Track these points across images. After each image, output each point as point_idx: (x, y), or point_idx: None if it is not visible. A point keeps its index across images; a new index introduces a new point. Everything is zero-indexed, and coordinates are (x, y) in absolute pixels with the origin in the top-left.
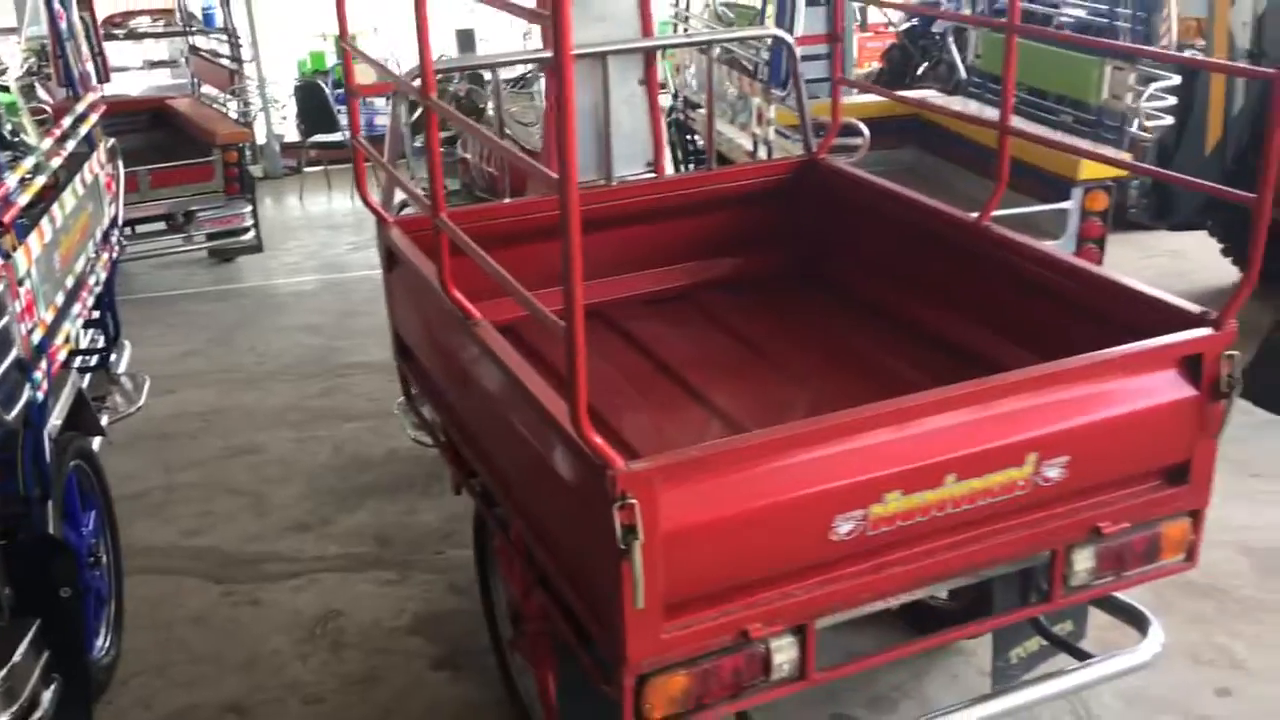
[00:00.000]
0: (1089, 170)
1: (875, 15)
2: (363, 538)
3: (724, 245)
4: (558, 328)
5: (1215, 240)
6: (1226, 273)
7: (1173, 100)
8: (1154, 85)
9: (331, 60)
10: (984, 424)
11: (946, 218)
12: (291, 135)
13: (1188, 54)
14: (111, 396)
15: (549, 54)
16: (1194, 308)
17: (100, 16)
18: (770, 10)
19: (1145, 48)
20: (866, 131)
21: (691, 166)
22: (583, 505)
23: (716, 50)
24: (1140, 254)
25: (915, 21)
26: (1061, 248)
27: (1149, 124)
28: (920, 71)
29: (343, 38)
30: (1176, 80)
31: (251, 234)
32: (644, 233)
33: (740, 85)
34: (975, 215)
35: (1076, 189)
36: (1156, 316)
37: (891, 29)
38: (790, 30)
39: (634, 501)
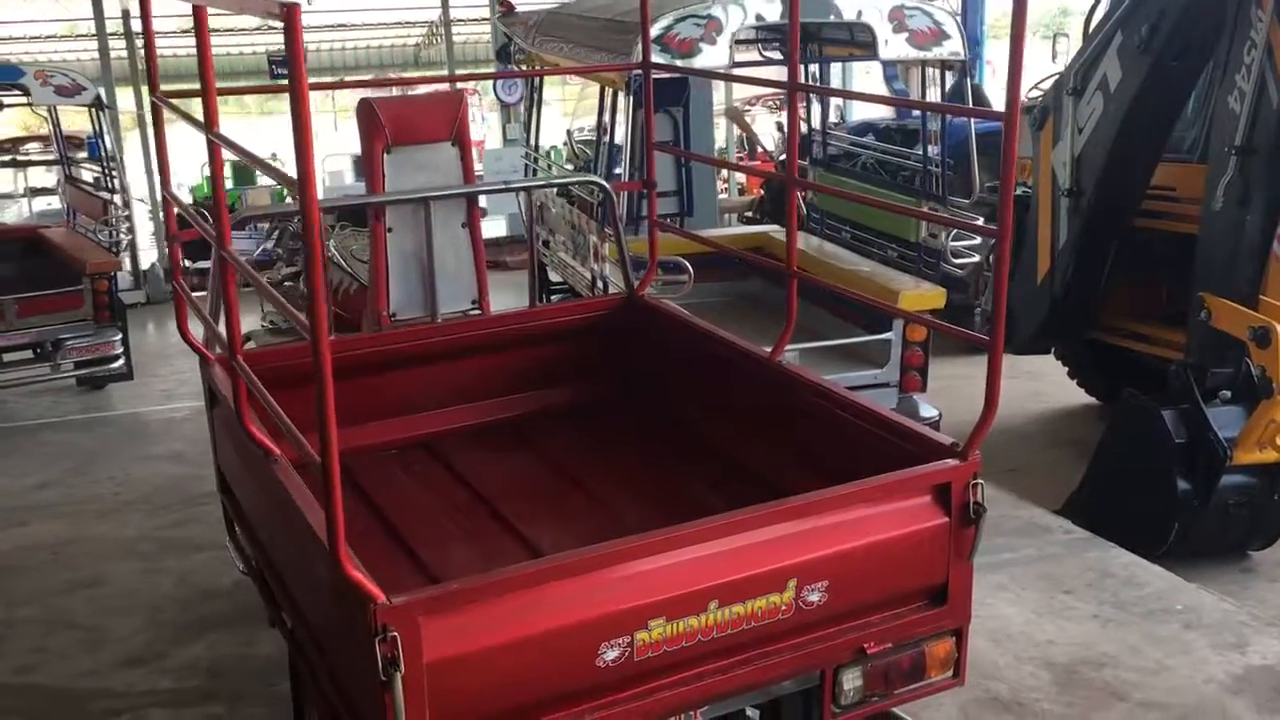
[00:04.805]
0: (908, 302)
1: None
2: (196, 671)
3: (549, 378)
4: (315, 464)
5: (1062, 364)
6: (1076, 394)
7: (978, 240)
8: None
9: (228, 185)
10: (744, 552)
11: (744, 353)
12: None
13: (1018, 192)
14: None
15: (380, 198)
16: (944, 439)
17: None
18: None
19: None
20: (690, 269)
21: (555, 298)
22: (351, 638)
23: (544, 193)
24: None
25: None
26: (886, 375)
27: (958, 261)
28: None
29: (165, 186)
30: (979, 220)
31: (121, 362)
32: (470, 367)
33: (579, 222)
34: (769, 350)
35: (897, 320)
36: (914, 446)
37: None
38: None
39: (395, 634)
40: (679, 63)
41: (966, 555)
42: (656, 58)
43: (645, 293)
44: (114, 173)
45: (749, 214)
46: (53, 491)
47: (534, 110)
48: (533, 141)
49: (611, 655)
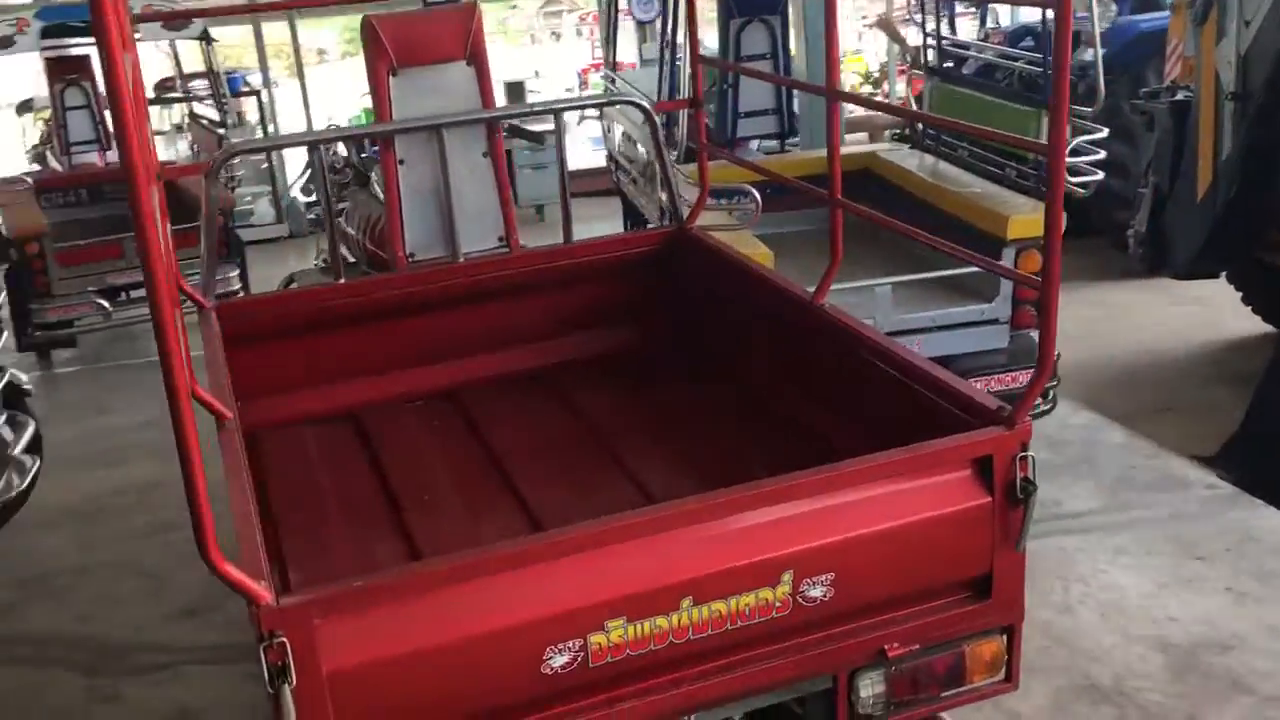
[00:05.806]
0: (1019, 229)
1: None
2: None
3: (585, 323)
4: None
5: (1235, 289)
6: (1252, 322)
7: (1102, 154)
8: (1080, 138)
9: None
10: (722, 541)
11: (786, 295)
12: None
13: (1180, 96)
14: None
15: (385, 128)
16: (991, 402)
17: (153, 81)
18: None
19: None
20: (757, 195)
21: (650, 226)
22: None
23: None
24: (1168, 300)
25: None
26: (995, 311)
27: (1075, 180)
28: None
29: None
30: (1102, 133)
31: (240, 296)
32: (497, 311)
33: (647, 146)
34: (812, 292)
35: (1008, 249)
36: (955, 406)
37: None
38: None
39: (284, 640)
40: None
41: (1014, 541)
42: None
43: (695, 225)
44: (226, 107)
45: (905, 130)
46: (156, 431)
47: (610, 27)
48: (611, 60)
49: (560, 661)
